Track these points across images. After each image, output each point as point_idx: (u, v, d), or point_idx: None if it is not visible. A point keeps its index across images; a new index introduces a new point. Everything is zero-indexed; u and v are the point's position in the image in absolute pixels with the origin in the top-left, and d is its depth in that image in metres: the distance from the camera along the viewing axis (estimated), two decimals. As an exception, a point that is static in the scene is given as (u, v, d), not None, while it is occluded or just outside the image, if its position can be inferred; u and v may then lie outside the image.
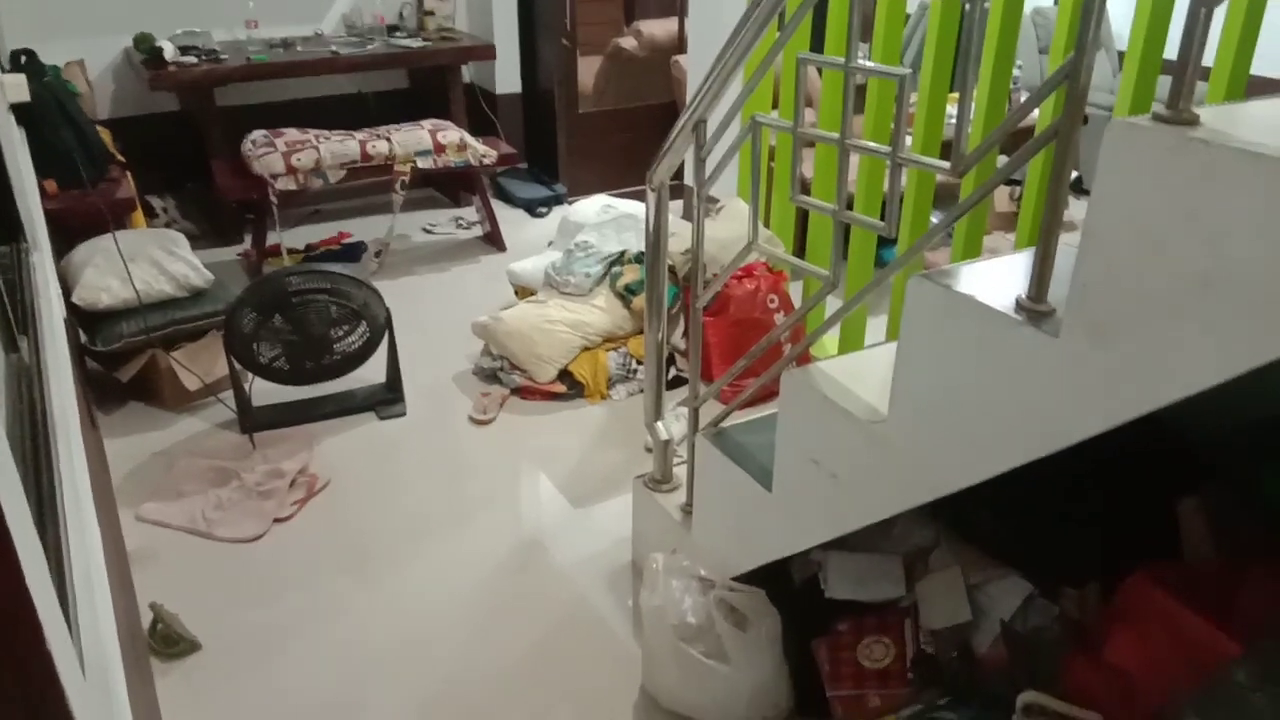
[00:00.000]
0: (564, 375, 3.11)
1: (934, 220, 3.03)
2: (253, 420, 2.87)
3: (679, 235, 3.00)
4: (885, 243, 3.65)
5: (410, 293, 3.87)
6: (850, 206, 3.05)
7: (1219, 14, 2.35)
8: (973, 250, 2.81)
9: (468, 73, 4.83)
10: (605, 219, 3.53)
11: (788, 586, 1.97)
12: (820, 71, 3.12)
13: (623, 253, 3.33)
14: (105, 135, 3.68)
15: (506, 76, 5.00)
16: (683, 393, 2.85)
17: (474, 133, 4.27)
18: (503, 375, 3.14)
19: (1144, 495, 1.70)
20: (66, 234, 3.13)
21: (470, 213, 4.73)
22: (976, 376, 1.29)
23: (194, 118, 4.13)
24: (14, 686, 0.68)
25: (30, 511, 1.27)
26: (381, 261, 4.12)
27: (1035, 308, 1.21)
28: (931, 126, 2.68)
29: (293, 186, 3.72)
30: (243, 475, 2.62)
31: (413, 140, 3.92)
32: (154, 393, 2.99)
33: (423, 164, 3.94)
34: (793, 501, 1.74)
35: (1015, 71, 4.03)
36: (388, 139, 3.88)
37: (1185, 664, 1.32)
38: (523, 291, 3.52)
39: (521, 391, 3.11)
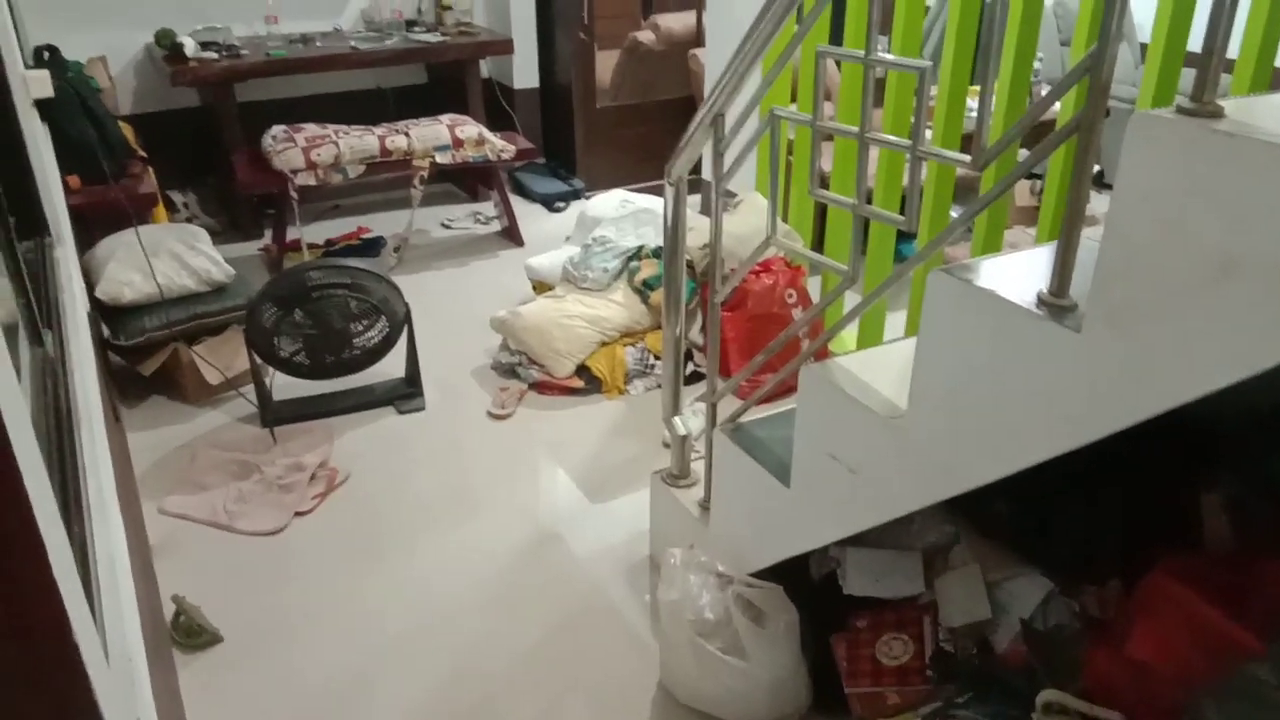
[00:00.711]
0: (581, 370, 3.11)
1: (954, 215, 3.01)
2: (273, 414, 2.89)
3: (697, 230, 3.00)
4: (904, 237, 3.63)
5: (429, 287, 3.88)
6: (869, 201, 3.04)
7: (1243, 5, 2.32)
8: (993, 245, 2.79)
9: (485, 68, 4.84)
10: (623, 213, 3.53)
11: (806, 582, 1.97)
12: (839, 65, 3.11)
13: (640, 247, 3.32)
14: (127, 130, 3.71)
15: (524, 71, 5.00)
16: (700, 388, 2.85)
17: (492, 128, 4.27)
18: (520, 370, 3.15)
19: (1164, 488, 1.68)
20: (89, 229, 3.16)
21: (488, 208, 4.74)
22: (997, 372, 1.28)
23: (214, 113, 4.16)
24: (41, 676, 0.70)
25: (56, 505, 1.28)
26: (400, 256, 4.14)
27: (1057, 302, 1.21)
28: (952, 120, 2.66)
29: (312, 182, 3.74)
30: (263, 468, 2.64)
31: (431, 135, 3.93)
32: (176, 386, 3.01)
33: (441, 159, 3.95)
34: (811, 497, 1.74)
35: (1036, 64, 4.00)
36: (406, 134, 3.90)
37: (1206, 658, 1.31)
38: (541, 286, 3.53)
39: (539, 386, 3.12)
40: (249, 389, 2.93)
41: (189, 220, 4.26)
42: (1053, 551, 1.77)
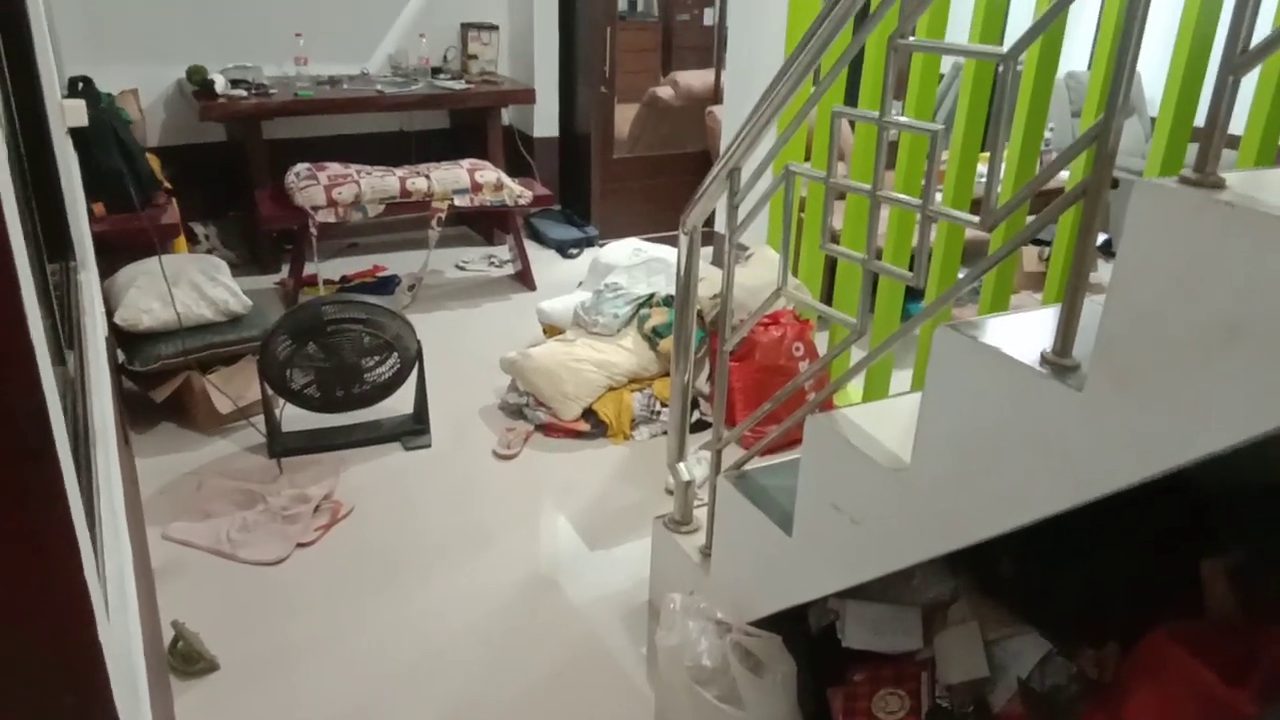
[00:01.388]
0: (588, 414, 3.14)
1: (961, 275, 3.05)
2: (281, 445, 2.91)
3: (708, 280, 3.04)
4: (912, 297, 3.68)
5: (440, 327, 3.93)
6: (878, 259, 3.09)
7: (1250, 82, 2.38)
8: (1000, 308, 2.82)
9: (507, 115, 4.94)
10: (635, 261, 3.58)
11: (804, 634, 1.97)
12: (853, 127, 3.17)
13: (651, 295, 3.37)
14: (154, 162, 3.79)
15: (545, 120, 5.10)
16: (704, 436, 2.87)
17: (511, 174, 4.35)
18: (528, 411, 3.18)
19: (1167, 554, 1.69)
20: (112, 256, 3.21)
21: (502, 251, 4.81)
22: (1000, 427, 1.30)
23: (240, 148, 4.25)
24: (72, 673, 0.72)
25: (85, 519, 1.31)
26: (414, 295, 4.19)
27: (1060, 362, 1.23)
28: (962, 185, 2.71)
29: (332, 219, 3.81)
30: (269, 499, 2.65)
31: (451, 178, 4.01)
32: (186, 414, 3.04)
33: (460, 202, 4.02)
34: (813, 546, 1.75)
35: (1047, 134, 4.07)
36: (427, 176, 3.97)
37: (1204, 725, 1.31)
38: (551, 330, 3.57)
39: (545, 428, 3.14)
40: (258, 419, 2.95)
41: (209, 252, 4.33)
42: (1053, 612, 1.77)
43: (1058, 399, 1.21)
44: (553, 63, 5.00)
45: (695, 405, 3.18)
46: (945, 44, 2.05)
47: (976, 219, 1.34)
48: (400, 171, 3.98)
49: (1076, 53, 5.74)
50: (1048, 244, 4.01)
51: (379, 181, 3.88)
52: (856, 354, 2.14)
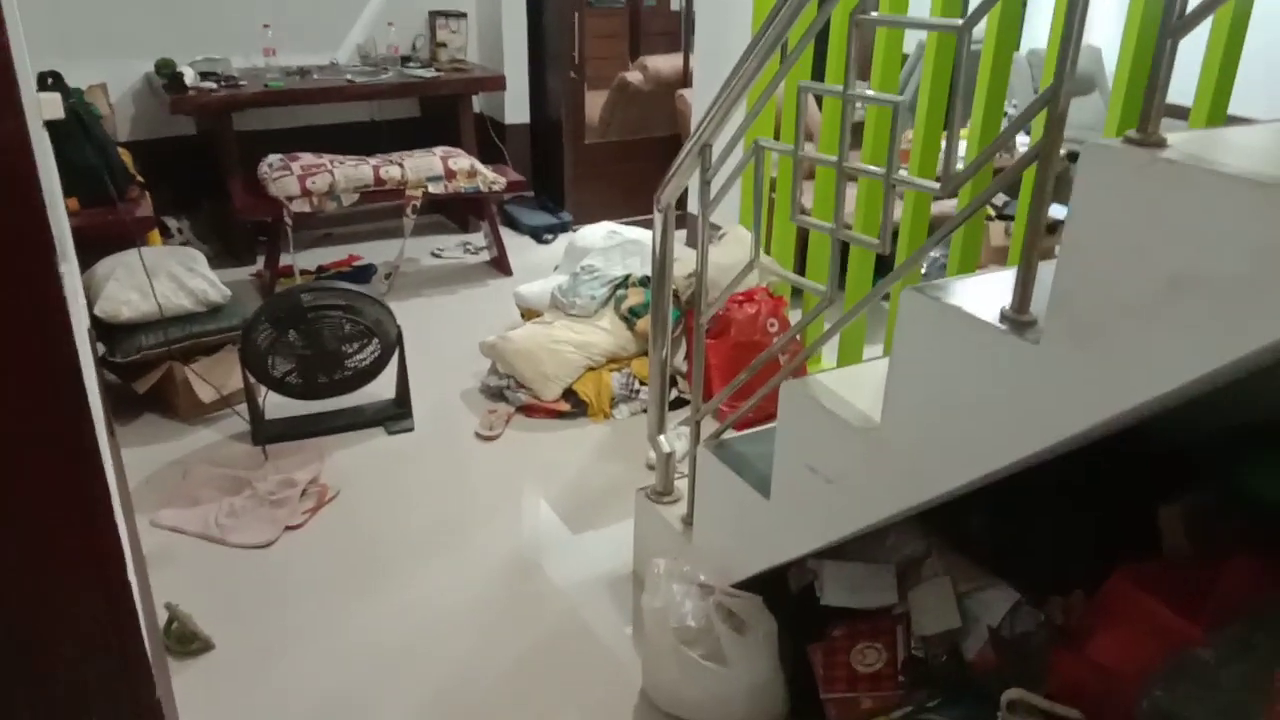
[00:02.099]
0: (568, 394, 3.19)
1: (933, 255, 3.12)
2: (265, 432, 2.95)
3: (682, 260, 3.10)
4: (884, 273, 3.76)
5: (419, 314, 3.96)
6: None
7: (1198, 53, 2.46)
8: (967, 271, 2.90)
9: (478, 103, 4.96)
10: (611, 244, 3.63)
11: (785, 594, 2.04)
12: (820, 105, 3.24)
13: (627, 276, 3.42)
14: (125, 156, 3.79)
15: (515, 107, 5.13)
16: (682, 414, 2.93)
17: (483, 161, 4.38)
18: (509, 393, 3.22)
19: (1131, 505, 1.77)
20: (87, 250, 3.22)
21: (477, 238, 4.84)
22: (964, 383, 1.37)
23: (211, 141, 4.25)
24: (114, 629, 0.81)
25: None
26: (391, 284, 4.22)
27: (1018, 318, 1.30)
28: (926, 163, 2.78)
29: (307, 209, 3.83)
30: (255, 484, 2.69)
31: (424, 166, 4.04)
32: (169, 404, 3.06)
33: (434, 189, 4.05)
34: (790, 508, 1.82)
35: (1009, 109, 4.16)
36: (400, 164, 4.00)
37: (1161, 655, 1.39)
38: (529, 314, 3.61)
39: (527, 409, 3.19)
40: (242, 407, 2.98)
41: (183, 245, 4.32)
42: (1021, 564, 1.85)
43: (1016, 353, 1.28)
44: (522, 49, 5.03)
45: (673, 383, 3.24)
46: (904, 18, 2.11)
47: (938, 185, 1.41)
48: (374, 160, 4.00)
49: (1040, 31, 5.83)
50: (1013, 218, 4.11)
51: (352, 170, 3.90)
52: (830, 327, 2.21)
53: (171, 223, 4.41)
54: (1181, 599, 1.40)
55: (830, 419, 1.64)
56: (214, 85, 4.07)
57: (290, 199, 3.77)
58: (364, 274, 4.33)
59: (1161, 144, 1.11)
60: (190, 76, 4.03)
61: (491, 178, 4.17)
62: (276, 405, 3.02)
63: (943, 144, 3.00)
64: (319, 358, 2.91)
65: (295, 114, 4.61)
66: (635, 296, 3.32)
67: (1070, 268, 1.18)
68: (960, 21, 1.30)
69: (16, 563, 0.86)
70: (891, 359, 1.49)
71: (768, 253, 3.46)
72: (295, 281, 4.02)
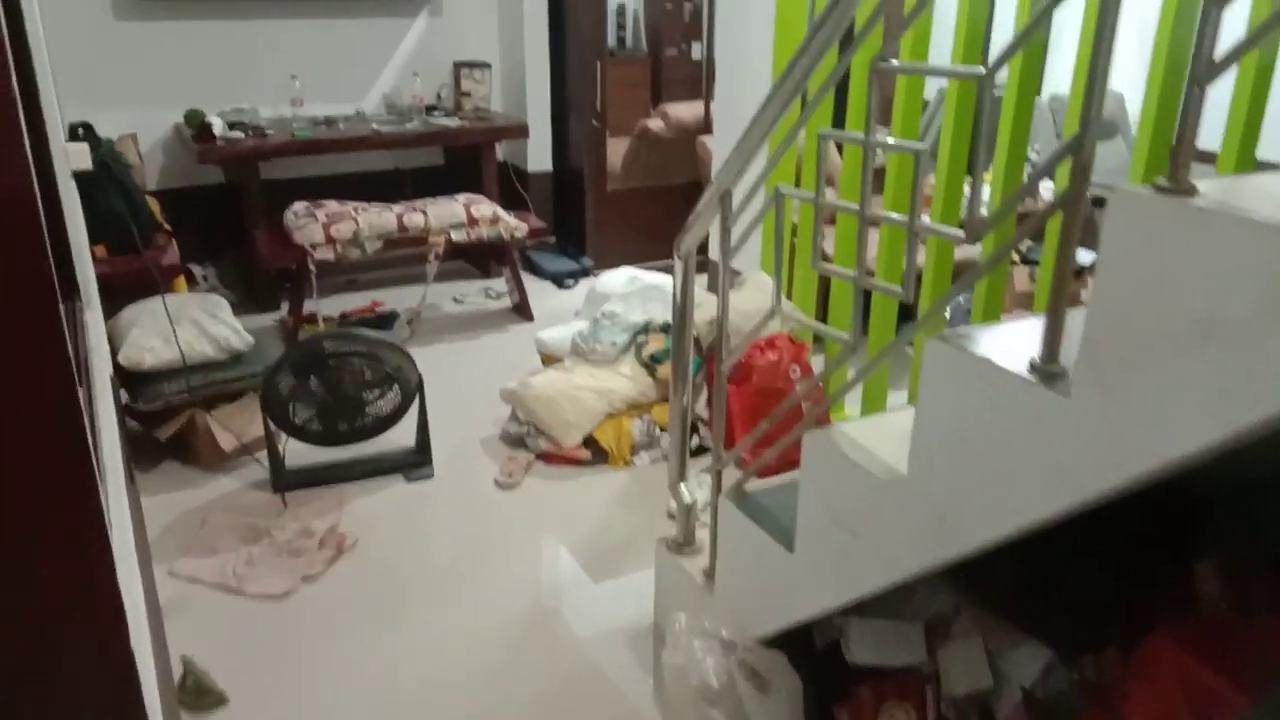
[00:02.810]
0: (588, 441, 3.16)
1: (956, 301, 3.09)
2: (285, 480, 2.93)
3: (703, 306, 3.08)
4: (907, 320, 3.72)
5: (440, 360, 3.96)
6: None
7: (1225, 98, 2.43)
8: (991, 319, 2.86)
9: (501, 151, 5.01)
10: (631, 289, 3.62)
11: (809, 651, 1.99)
12: (840, 152, 3.23)
13: (648, 322, 3.41)
14: (153, 205, 3.84)
15: (538, 155, 5.18)
16: (703, 461, 2.89)
17: (506, 208, 4.41)
18: (529, 440, 3.20)
19: (1163, 558, 1.72)
20: (113, 297, 3.25)
21: (499, 284, 4.85)
22: (993, 435, 1.33)
23: (238, 190, 4.31)
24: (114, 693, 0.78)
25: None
26: (414, 329, 4.23)
27: (1047, 368, 1.27)
28: (949, 209, 2.76)
29: (331, 256, 3.86)
30: (273, 533, 2.67)
31: (447, 213, 4.06)
32: (190, 452, 3.07)
33: (456, 236, 4.07)
34: (814, 561, 1.77)
35: (1032, 155, 4.15)
36: (424, 212, 4.03)
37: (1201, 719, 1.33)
38: (549, 359, 3.60)
39: (546, 456, 3.17)
40: (262, 455, 2.98)
41: (208, 292, 4.37)
42: (1052, 620, 1.79)
43: (1046, 405, 1.24)
44: (545, 98, 5.08)
45: (694, 430, 3.21)
46: (925, 65, 2.11)
47: (962, 233, 1.39)
48: (397, 208, 4.03)
49: (1062, 76, 5.84)
50: (1037, 263, 4.07)
51: (376, 218, 3.93)
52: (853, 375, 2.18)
53: (197, 270, 4.46)
54: (1222, 660, 1.35)
55: (855, 470, 1.60)
56: (242, 135, 4.13)
57: (315, 246, 3.80)
58: (386, 320, 4.34)
59: (1192, 191, 1.08)
60: (219, 127, 4.09)
61: (514, 224, 4.19)
62: (297, 452, 3.01)
63: (966, 189, 2.99)
64: (339, 404, 2.91)
65: (321, 162, 4.67)
66: (656, 343, 3.30)
67: (1100, 318, 1.15)
68: (983, 70, 1.28)
69: (8, 613, 0.84)
70: (917, 410, 1.45)
71: (789, 298, 3.44)
72: (319, 328, 4.04)
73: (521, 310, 4.48)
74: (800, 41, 1.60)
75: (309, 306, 4.04)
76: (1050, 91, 5.56)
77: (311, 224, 3.83)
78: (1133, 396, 1.13)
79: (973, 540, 1.41)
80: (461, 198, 4.21)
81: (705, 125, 5.18)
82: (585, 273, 4.98)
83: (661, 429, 3.21)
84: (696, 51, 6.70)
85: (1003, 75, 1.88)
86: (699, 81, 5.84)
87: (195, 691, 2.10)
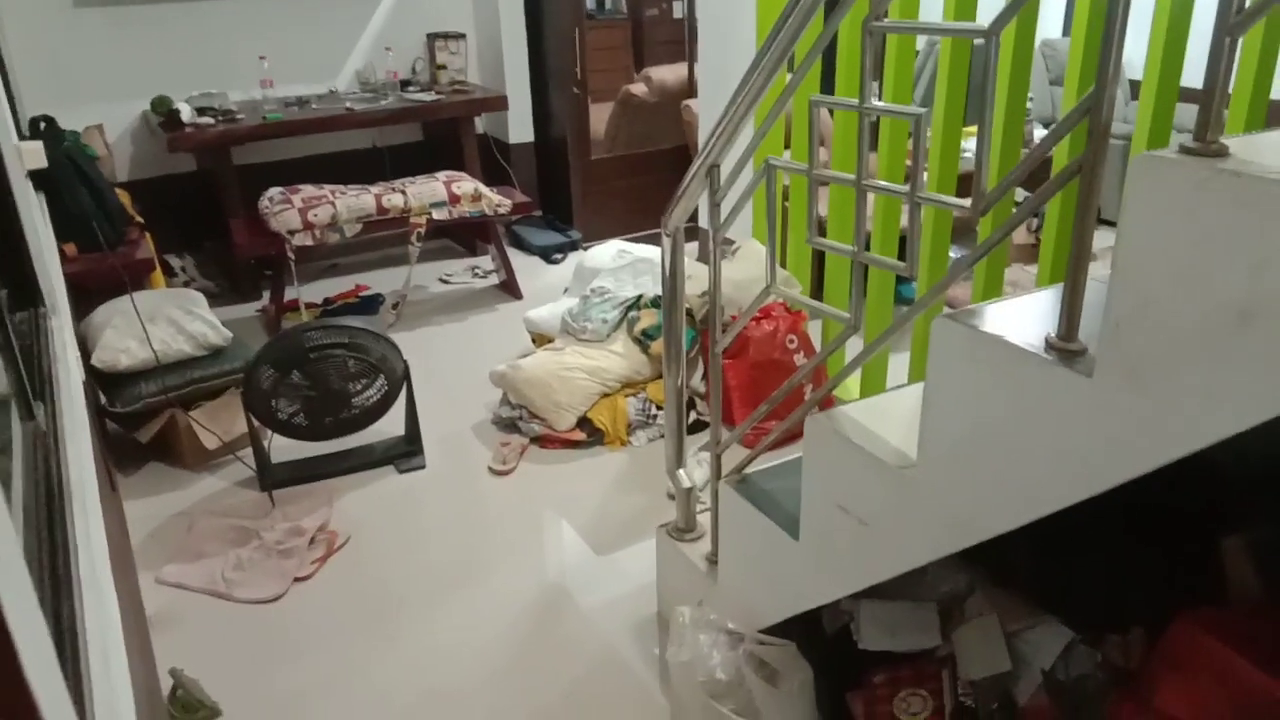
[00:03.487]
0: (583, 423, 3.08)
1: (953, 254, 3.00)
2: (272, 477, 2.85)
3: (695, 278, 2.99)
4: (904, 278, 3.63)
5: (428, 343, 3.87)
6: (867, 245, 3.04)
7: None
8: (994, 285, 2.77)
9: (481, 124, 4.88)
10: (620, 264, 3.52)
11: (819, 637, 1.92)
12: (832, 111, 3.12)
13: (639, 297, 3.31)
14: (124, 197, 3.72)
15: (519, 126, 5.04)
16: (704, 436, 2.81)
17: (488, 182, 4.29)
18: (522, 424, 3.12)
19: (1187, 533, 1.64)
20: (86, 296, 3.15)
21: (486, 261, 4.74)
22: (1007, 420, 1.25)
23: (211, 177, 4.18)
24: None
25: (45, 588, 1.25)
26: (399, 313, 4.13)
27: (1066, 346, 1.18)
28: (947, 162, 2.66)
29: (309, 242, 3.75)
30: (262, 534, 2.59)
31: (427, 192, 3.94)
32: (174, 452, 2.98)
33: (438, 215, 3.96)
34: (821, 550, 1.69)
35: (1027, 104, 4.02)
36: (403, 192, 3.91)
37: (1237, 711, 1.26)
38: (540, 339, 3.51)
39: (541, 440, 3.08)
40: (247, 453, 2.89)
41: (187, 284, 4.26)
42: (1073, 599, 1.72)
43: (1066, 386, 1.16)
44: (523, 67, 4.93)
45: (692, 405, 3.12)
46: (923, 24, 1.99)
47: (967, 203, 1.29)
48: (375, 189, 3.91)
49: (1050, 20, 5.69)
50: (1038, 215, 3.97)
51: (354, 201, 3.81)
52: (852, 343, 2.09)
53: (175, 262, 4.34)
54: (1256, 647, 1.27)
55: (861, 456, 1.52)
56: (211, 120, 4.00)
57: (292, 233, 3.69)
58: (371, 304, 4.24)
59: (1223, 153, 0.98)
60: (187, 113, 3.96)
61: (496, 200, 4.08)
62: (283, 447, 2.93)
63: (963, 145, 2.88)
64: (324, 398, 2.82)
65: (297, 145, 4.53)
66: (648, 318, 3.21)
67: (1123, 295, 1.06)
68: (985, 26, 1.18)
69: None
70: (926, 392, 1.36)
71: (784, 266, 3.34)
72: (301, 316, 3.94)
73: (509, 288, 4.37)
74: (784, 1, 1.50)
75: (291, 294, 3.94)
76: (1040, 36, 5.42)
77: (287, 210, 3.71)
78: (1162, 380, 1.04)
79: (987, 529, 1.34)
80: (441, 175, 4.09)
81: (690, 88, 5.04)
82: (574, 246, 4.87)
83: (658, 406, 3.13)
84: (678, 10, 6.53)
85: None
86: (682, 42, 5.69)
87: (185, 705, 2.03)
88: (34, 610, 0.82)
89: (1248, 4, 0.95)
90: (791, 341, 3.09)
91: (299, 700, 2.10)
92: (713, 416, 2.04)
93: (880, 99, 3.15)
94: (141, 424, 2.90)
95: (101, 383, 2.86)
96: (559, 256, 4.84)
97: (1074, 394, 1.15)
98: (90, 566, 1.45)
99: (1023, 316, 1.30)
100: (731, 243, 3.55)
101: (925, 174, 2.83)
